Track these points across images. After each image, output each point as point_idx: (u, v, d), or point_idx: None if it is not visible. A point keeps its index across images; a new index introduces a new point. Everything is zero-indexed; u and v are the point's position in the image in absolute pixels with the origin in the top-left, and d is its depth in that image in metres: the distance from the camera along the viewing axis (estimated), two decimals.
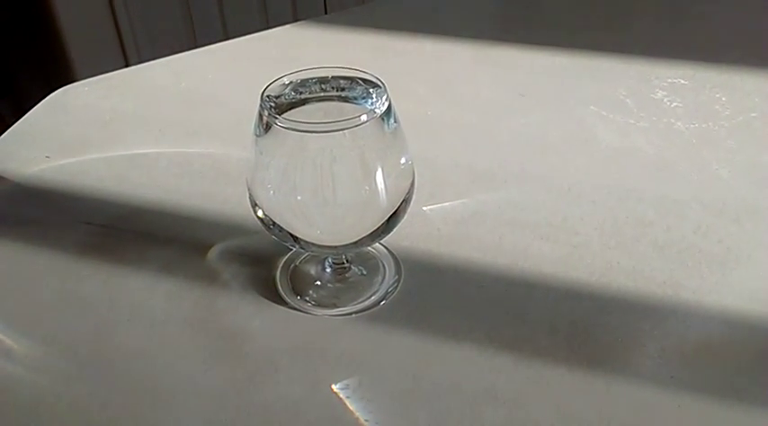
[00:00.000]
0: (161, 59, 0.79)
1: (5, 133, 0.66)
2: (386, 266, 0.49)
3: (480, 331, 0.44)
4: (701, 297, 0.46)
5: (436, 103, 0.69)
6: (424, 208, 0.54)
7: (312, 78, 0.42)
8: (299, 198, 0.40)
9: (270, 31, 0.86)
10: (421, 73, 0.75)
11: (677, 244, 0.51)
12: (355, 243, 0.42)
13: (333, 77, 0.43)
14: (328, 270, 0.48)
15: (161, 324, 0.46)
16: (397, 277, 0.48)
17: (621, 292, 0.47)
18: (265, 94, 0.40)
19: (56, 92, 0.73)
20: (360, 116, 0.38)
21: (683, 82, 0.72)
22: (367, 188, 0.41)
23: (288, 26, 0.86)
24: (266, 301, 0.46)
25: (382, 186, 0.41)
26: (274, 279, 0.48)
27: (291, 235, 0.41)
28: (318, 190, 0.40)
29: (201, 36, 1.57)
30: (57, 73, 1.53)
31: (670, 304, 0.46)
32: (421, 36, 0.82)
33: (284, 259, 0.49)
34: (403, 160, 0.42)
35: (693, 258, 0.49)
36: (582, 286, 0.47)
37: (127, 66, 1.31)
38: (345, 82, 0.43)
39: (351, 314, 0.45)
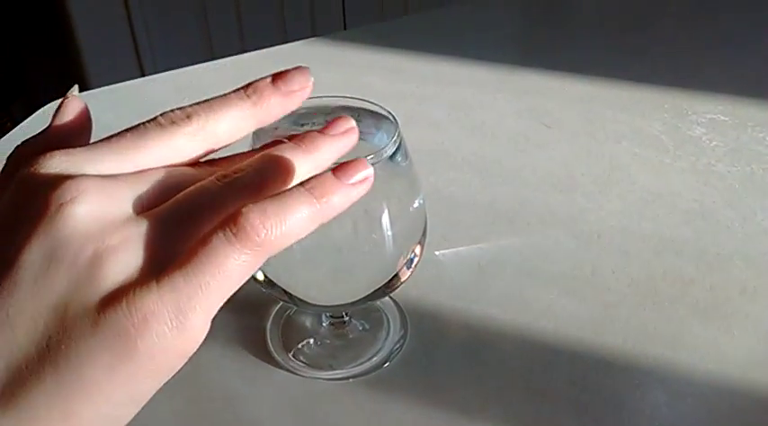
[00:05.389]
0: (168, 73, 0.75)
1: None
2: (390, 320, 0.43)
3: (496, 406, 0.39)
4: (748, 372, 0.40)
5: (453, 132, 0.64)
6: (437, 253, 0.49)
7: (314, 108, 0.37)
8: (294, 248, 0.35)
9: (285, 46, 0.81)
10: (438, 98, 0.69)
11: (721, 307, 0.45)
12: (355, 302, 0.36)
13: (338, 108, 0.37)
14: (325, 323, 0.42)
15: None
16: (402, 332, 0.43)
17: (660, 365, 0.41)
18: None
19: (54, 102, 0.68)
20: (366, 157, 0.32)
21: (722, 118, 0.66)
22: (374, 236, 0.35)
23: (303, 41, 0.82)
24: (253, 358, 0.41)
25: (389, 234, 0.35)
26: (264, 330, 0.43)
27: (285, 291, 0.36)
28: (316, 242, 0.34)
29: (218, 49, 1.54)
30: (71, 77, 1.50)
31: (715, 381, 0.40)
32: (440, 58, 0.76)
33: (277, 307, 0.44)
34: (416, 204, 0.37)
35: (740, 325, 0.44)
36: (614, 355, 0.41)
37: (143, 75, 1.29)
38: (352, 114, 0.37)
39: (348, 378, 0.40)
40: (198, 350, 0.43)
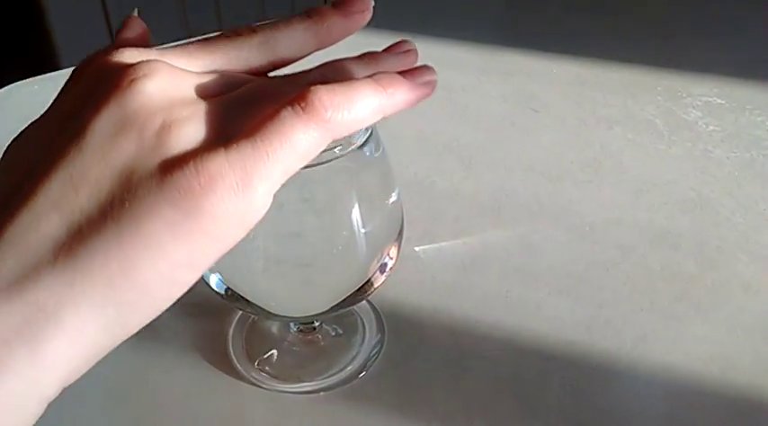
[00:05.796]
0: None
1: None
2: (366, 324, 0.40)
3: (482, 418, 0.35)
4: (754, 379, 0.37)
5: (434, 118, 0.60)
6: (417, 249, 0.45)
7: None
8: (254, 252, 0.31)
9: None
10: None
11: (724, 306, 0.42)
12: (323, 312, 0.32)
13: None
14: (293, 330, 0.39)
15: (76, 395, 0.36)
16: (379, 337, 0.39)
17: (660, 372, 0.37)
18: None
19: (22, 81, 0.64)
20: (333, 149, 0.29)
21: (719, 101, 0.63)
22: (343, 237, 0.31)
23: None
24: (213, 369, 0.37)
25: (361, 234, 0.32)
26: (226, 338, 0.39)
27: (245, 300, 0.32)
28: (280, 246, 0.30)
29: (194, 25, 1.49)
30: (40, 54, 1.45)
31: (720, 389, 0.37)
32: (420, 38, 0.72)
33: (240, 312, 0.40)
34: (391, 200, 0.33)
35: (744, 326, 0.40)
36: (610, 362, 0.38)
37: None
38: None
39: (318, 391, 0.36)
40: (150, 359, 0.39)
